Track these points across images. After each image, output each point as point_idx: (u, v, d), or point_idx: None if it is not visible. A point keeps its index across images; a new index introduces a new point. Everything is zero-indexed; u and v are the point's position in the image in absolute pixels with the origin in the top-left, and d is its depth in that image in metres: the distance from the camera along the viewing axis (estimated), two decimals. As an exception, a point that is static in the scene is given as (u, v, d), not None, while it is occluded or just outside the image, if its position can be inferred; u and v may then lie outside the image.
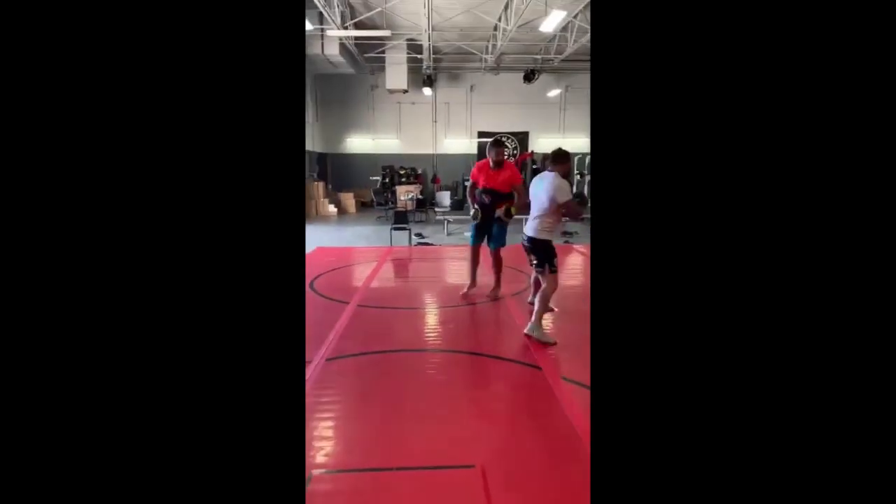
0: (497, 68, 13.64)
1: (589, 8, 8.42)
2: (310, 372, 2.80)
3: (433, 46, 11.38)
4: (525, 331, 3.29)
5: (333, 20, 8.56)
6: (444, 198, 11.45)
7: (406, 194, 11.53)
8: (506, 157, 4.13)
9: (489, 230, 4.17)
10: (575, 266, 5.81)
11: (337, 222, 11.20)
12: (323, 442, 2.16)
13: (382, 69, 12.52)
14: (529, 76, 13.16)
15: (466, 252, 4.38)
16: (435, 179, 14.30)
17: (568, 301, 4.09)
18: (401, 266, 6.16)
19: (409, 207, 10.48)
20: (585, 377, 2.69)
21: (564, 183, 3.22)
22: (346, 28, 9.39)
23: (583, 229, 8.97)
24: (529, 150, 13.67)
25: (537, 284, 3.49)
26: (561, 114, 14.76)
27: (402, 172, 13.72)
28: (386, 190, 12.72)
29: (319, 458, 2.02)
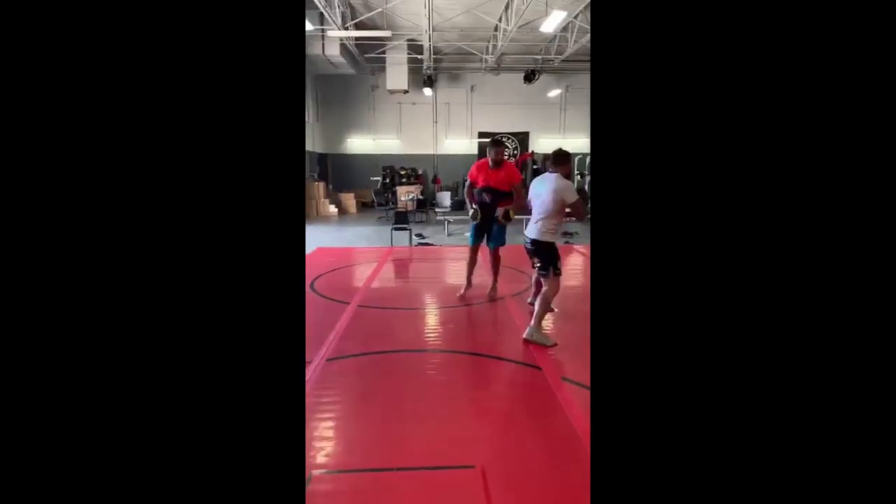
0: (497, 69, 13.65)
1: (589, 8, 8.42)
2: (310, 372, 2.80)
3: (434, 47, 11.38)
4: (524, 336, 3.25)
5: (334, 20, 8.57)
6: (445, 198, 11.45)
7: (407, 195, 11.54)
8: (505, 157, 4.12)
9: (489, 229, 4.15)
10: (575, 266, 5.81)
11: (337, 223, 11.20)
12: (323, 442, 2.16)
13: (383, 69, 12.53)
14: (530, 76, 13.17)
15: (467, 252, 4.37)
16: (435, 180, 14.31)
17: (568, 302, 4.08)
18: (401, 266, 6.16)
19: (410, 208, 10.49)
20: (585, 378, 2.69)
21: (570, 183, 3.22)
22: (346, 28, 9.40)
23: (583, 229, 8.97)
24: (530, 151, 13.68)
25: (539, 286, 3.46)
26: (561, 114, 14.77)
27: (402, 173, 13.71)
28: (386, 190, 12.72)
29: (320, 459, 2.02)
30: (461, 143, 14.77)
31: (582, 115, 14.57)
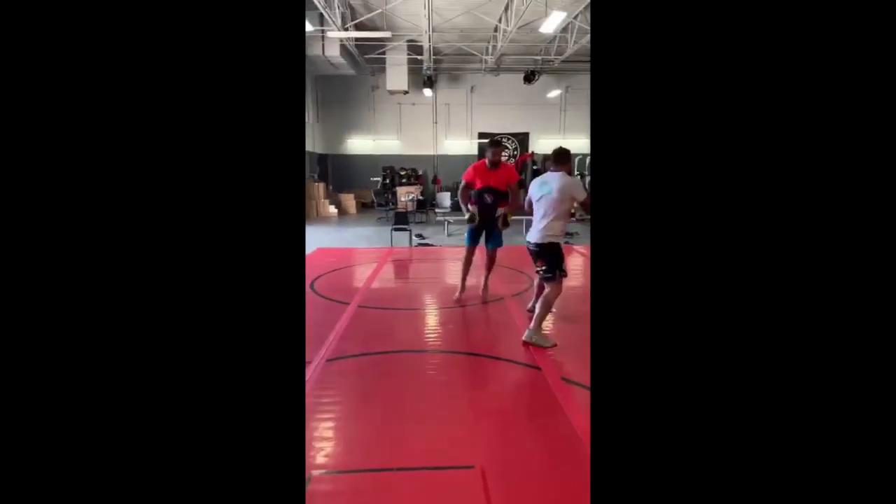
0: (497, 69, 13.65)
1: (589, 9, 8.43)
2: (310, 372, 2.80)
3: (433, 47, 11.39)
4: (523, 338, 3.23)
5: (334, 21, 8.57)
6: (445, 199, 11.45)
7: (406, 195, 11.54)
8: (504, 158, 4.09)
9: (488, 230, 4.13)
10: (575, 267, 5.81)
11: (337, 223, 11.21)
12: (323, 442, 2.16)
13: (383, 70, 12.53)
14: (530, 77, 13.17)
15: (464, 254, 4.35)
16: (435, 180, 14.31)
17: (568, 302, 4.08)
18: (401, 267, 6.16)
19: (410, 208, 10.50)
20: (585, 378, 2.70)
21: (577, 180, 3.21)
22: (346, 29, 9.41)
23: (583, 229, 8.97)
24: (530, 151, 13.68)
25: (541, 288, 3.43)
26: (561, 115, 14.77)
27: (402, 173, 13.71)
28: (386, 191, 12.72)
29: (319, 459, 2.02)
30: (461, 144, 14.77)
31: (582, 115, 14.57)
